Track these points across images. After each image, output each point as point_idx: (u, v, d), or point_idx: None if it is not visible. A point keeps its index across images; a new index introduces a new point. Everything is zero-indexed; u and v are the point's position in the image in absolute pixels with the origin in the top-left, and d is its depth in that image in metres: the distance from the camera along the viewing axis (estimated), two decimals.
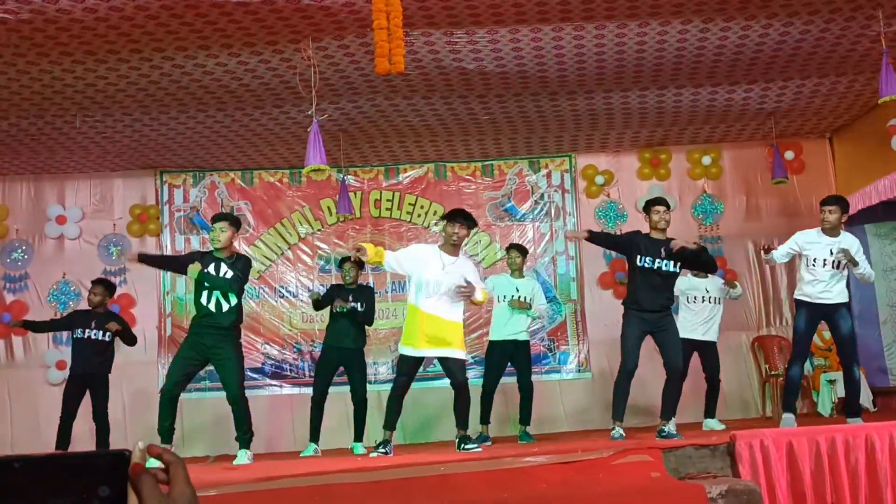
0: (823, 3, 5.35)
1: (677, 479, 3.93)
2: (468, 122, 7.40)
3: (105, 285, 6.79)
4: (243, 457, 5.39)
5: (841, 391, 6.73)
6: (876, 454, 4.13)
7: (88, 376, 6.58)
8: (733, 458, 4.12)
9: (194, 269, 5.33)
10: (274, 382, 8.08)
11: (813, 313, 5.55)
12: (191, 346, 5.48)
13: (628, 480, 3.75)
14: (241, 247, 7.91)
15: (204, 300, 5.40)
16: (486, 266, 8.21)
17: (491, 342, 6.57)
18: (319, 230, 8.38)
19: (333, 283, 7.42)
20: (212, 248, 5.53)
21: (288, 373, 8.12)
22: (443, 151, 8.22)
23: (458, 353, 5.27)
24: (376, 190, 8.45)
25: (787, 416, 5.45)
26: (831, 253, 5.49)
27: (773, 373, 7.58)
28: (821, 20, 5.58)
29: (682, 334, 5.81)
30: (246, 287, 5.78)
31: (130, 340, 6.73)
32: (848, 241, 5.58)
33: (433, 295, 5.20)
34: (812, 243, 5.58)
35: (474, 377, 6.87)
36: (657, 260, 5.41)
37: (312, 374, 7.04)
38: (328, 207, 8.33)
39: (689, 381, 6.15)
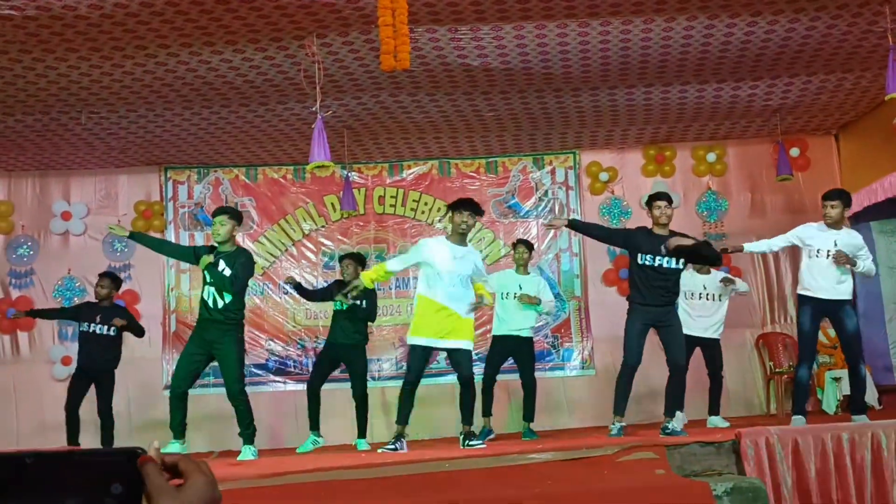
0: None
1: (682, 477, 3.93)
2: (472, 119, 7.39)
3: (112, 278, 6.87)
4: (248, 452, 5.40)
5: (846, 389, 6.71)
6: (882, 452, 4.12)
7: (94, 371, 6.64)
8: (738, 456, 4.11)
9: (205, 259, 5.37)
10: (278, 379, 8.10)
11: (816, 310, 5.51)
12: (195, 341, 5.53)
13: (633, 477, 3.74)
14: (244, 243, 7.91)
15: (205, 295, 5.46)
16: (489, 263, 8.20)
17: (493, 337, 6.60)
18: (323, 227, 8.38)
19: (336, 279, 7.41)
20: (215, 244, 5.56)
21: (292, 369, 8.12)
22: (447, 148, 8.22)
23: (467, 343, 5.31)
24: (380, 186, 8.45)
25: (797, 419, 5.42)
26: (835, 244, 5.46)
27: (777, 370, 7.56)
28: (827, 16, 5.55)
29: (684, 330, 5.78)
30: (249, 283, 5.79)
31: (138, 332, 6.82)
32: (851, 235, 5.56)
33: (444, 286, 5.22)
34: (814, 237, 5.56)
35: (476, 374, 6.87)
36: (657, 258, 5.39)
37: None
38: (332, 204, 8.33)
39: (691, 378, 6.13)
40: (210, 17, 5.07)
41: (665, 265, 5.41)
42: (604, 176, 8.43)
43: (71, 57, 5.53)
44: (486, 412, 6.39)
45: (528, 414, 6.49)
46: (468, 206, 5.34)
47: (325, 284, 7.52)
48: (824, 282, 5.46)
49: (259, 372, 7.96)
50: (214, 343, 5.42)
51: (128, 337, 6.95)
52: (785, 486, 4.01)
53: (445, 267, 5.23)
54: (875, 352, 7.62)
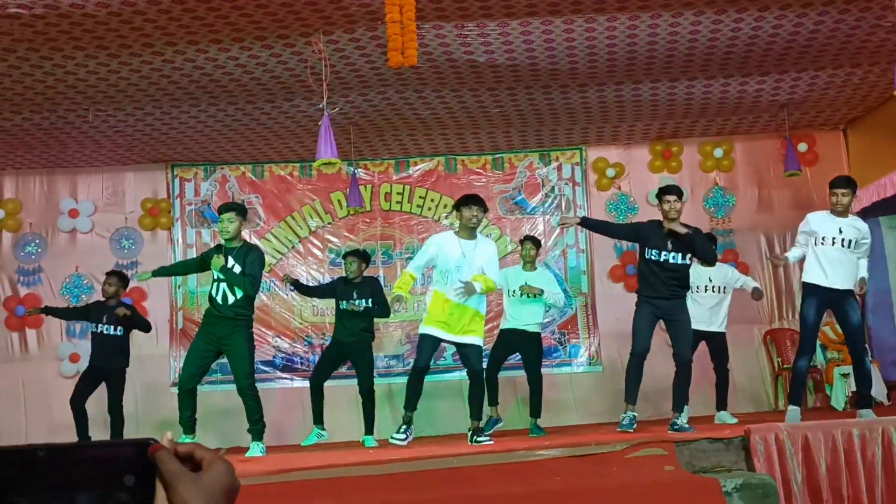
0: None
1: (691, 473, 3.92)
2: (479, 115, 7.38)
3: (119, 276, 6.93)
4: (256, 449, 5.41)
5: (854, 385, 6.68)
6: (893, 448, 4.10)
7: (104, 370, 6.73)
8: (748, 452, 4.10)
9: (217, 261, 5.38)
10: (285, 375, 8.11)
11: (820, 300, 5.47)
12: (203, 337, 5.54)
13: (642, 474, 3.74)
14: (251, 240, 7.91)
15: (213, 291, 5.46)
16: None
17: (500, 330, 6.62)
18: (330, 223, 8.38)
19: (340, 276, 7.42)
20: (222, 241, 5.57)
21: (299, 366, 8.13)
22: (453, 144, 8.21)
23: (477, 339, 5.35)
24: (387, 183, 8.44)
25: (793, 409, 5.41)
26: (840, 231, 5.45)
27: (785, 366, 7.54)
28: (836, 11, 5.52)
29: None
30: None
31: (144, 326, 6.87)
32: (856, 222, 5.55)
33: (456, 281, 5.26)
34: (820, 224, 5.54)
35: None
36: (664, 252, 5.40)
37: None
38: (339, 201, 8.33)
39: (697, 373, 6.11)
40: (217, 15, 5.08)
41: (671, 260, 5.41)
42: (610, 172, 8.41)
43: (78, 55, 5.54)
44: (493, 401, 6.40)
45: (535, 410, 6.48)
46: (476, 202, 5.41)
47: (331, 280, 7.53)
48: (830, 270, 5.44)
49: (266, 369, 7.97)
50: (223, 339, 5.43)
51: (135, 335, 6.98)
52: (795, 482, 4.00)
53: (455, 263, 5.28)
54: (884, 347, 7.59)
